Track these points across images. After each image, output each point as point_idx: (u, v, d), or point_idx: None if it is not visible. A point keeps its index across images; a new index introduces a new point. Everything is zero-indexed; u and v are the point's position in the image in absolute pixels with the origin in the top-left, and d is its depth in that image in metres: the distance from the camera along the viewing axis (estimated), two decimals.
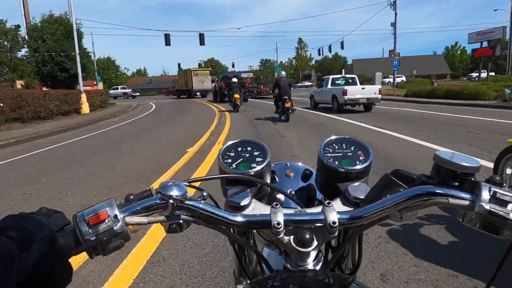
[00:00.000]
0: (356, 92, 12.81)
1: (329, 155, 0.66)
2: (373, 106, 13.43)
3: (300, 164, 0.77)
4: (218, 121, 12.11)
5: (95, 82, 48.19)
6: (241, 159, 0.66)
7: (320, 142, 0.69)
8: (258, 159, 0.66)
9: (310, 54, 75.61)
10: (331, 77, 15.23)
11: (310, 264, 0.54)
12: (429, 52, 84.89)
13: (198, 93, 34.62)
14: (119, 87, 23.05)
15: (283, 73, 12.55)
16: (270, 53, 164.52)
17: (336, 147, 0.67)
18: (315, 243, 0.52)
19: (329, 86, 14.57)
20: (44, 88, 18.80)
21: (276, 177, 0.74)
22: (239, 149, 0.68)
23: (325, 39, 75.55)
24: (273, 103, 12.48)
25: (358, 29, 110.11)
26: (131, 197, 0.51)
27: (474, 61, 63.24)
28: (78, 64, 17.77)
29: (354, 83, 14.34)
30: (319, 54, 47.27)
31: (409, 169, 0.62)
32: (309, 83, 61.90)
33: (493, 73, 30.22)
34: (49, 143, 8.63)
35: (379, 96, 13.21)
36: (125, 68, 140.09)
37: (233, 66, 61.47)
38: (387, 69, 31.78)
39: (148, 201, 0.49)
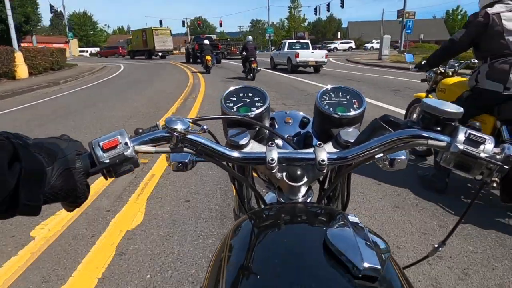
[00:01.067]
0: (307, 55, 14.35)
1: (325, 102, 0.70)
2: (321, 68, 15.11)
3: (299, 112, 0.80)
4: (193, 81, 12.24)
5: (67, 39, 42.55)
6: (242, 103, 0.69)
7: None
8: (258, 104, 0.69)
9: (304, 15, 70.33)
10: (287, 41, 16.50)
11: (300, 198, 0.60)
12: (428, 16, 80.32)
13: (159, 54, 32.10)
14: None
15: (250, 37, 13.18)
16: (262, 12, 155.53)
17: (333, 95, 0.71)
18: (305, 179, 0.59)
19: (285, 49, 15.86)
20: None
21: (275, 123, 0.78)
22: (241, 94, 0.71)
23: None
24: (240, 64, 14.33)
25: None
26: (140, 130, 0.56)
27: None
28: (9, 13, 13.49)
29: (307, 48, 15.71)
30: (316, 14, 42.54)
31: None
32: None
33: None
34: None
35: (326, 60, 14.84)
36: (105, 25, 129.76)
37: (220, 25, 55.70)
38: (388, 33, 28.12)
39: (156, 133, 0.54)
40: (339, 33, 62.83)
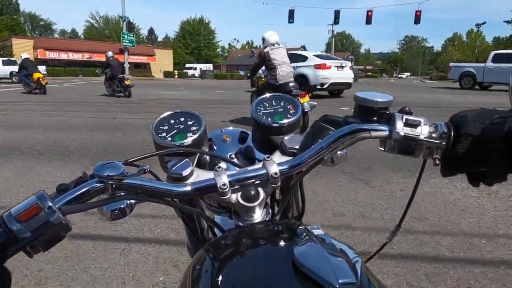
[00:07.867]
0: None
1: (261, 113, 0.69)
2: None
3: (234, 128, 0.80)
4: None
5: (121, 47, 28.70)
6: (175, 131, 0.66)
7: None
8: (193, 128, 0.66)
9: (483, 34, 47.71)
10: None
11: (259, 217, 0.58)
12: None
13: None
14: None
15: (110, 53, 12.73)
16: (412, 27, 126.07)
17: (267, 105, 0.71)
18: (262, 196, 0.56)
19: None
20: None
21: (213, 145, 0.75)
22: (172, 121, 0.67)
23: None
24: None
25: None
26: (63, 187, 0.48)
27: None
28: None
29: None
30: None
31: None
32: None
33: None
34: None
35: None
36: (235, 39, 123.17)
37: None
38: None
39: (85, 186, 0.47)
40: None
